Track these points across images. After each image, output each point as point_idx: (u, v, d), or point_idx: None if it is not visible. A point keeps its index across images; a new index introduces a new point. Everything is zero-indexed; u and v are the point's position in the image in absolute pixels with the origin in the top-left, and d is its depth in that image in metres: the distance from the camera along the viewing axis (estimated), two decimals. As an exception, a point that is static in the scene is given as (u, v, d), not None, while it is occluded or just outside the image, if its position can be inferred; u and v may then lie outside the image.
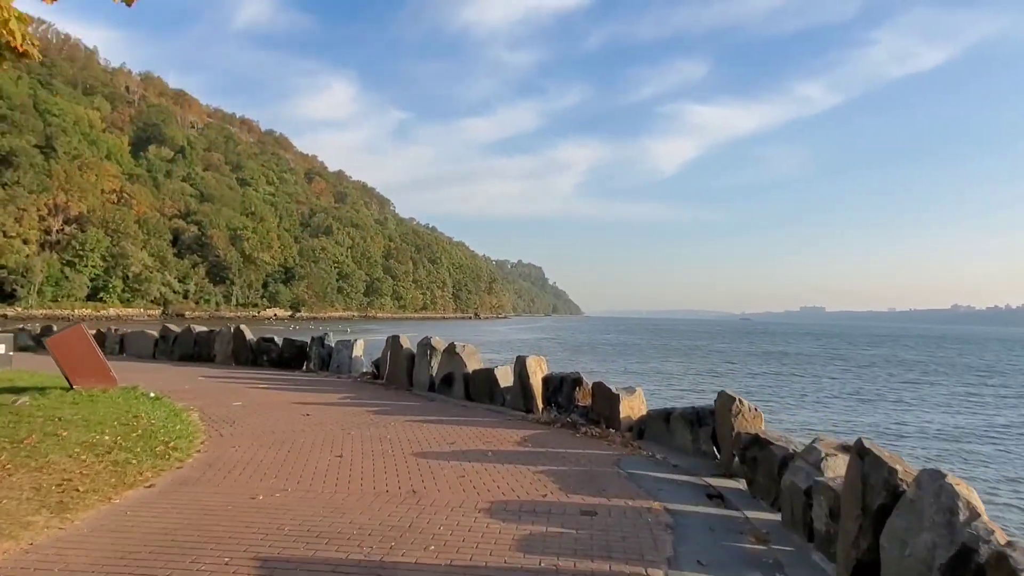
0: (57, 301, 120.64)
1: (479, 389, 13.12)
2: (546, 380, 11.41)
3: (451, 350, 14.06)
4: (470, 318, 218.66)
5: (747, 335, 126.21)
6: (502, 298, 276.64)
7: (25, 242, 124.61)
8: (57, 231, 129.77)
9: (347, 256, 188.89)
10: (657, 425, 9.52)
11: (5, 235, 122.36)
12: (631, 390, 10.45)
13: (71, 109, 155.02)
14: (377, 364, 17.26)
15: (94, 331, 22.78)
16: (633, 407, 10.19)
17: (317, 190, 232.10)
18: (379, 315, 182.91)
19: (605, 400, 10.28)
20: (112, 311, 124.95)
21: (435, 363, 14.57)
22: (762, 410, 7.74)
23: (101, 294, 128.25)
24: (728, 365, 48.68)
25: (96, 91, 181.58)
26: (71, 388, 11.98)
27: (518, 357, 12.08)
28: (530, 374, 11.80)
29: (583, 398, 10.88)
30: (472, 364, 13.72)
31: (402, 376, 15.46)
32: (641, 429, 9.74)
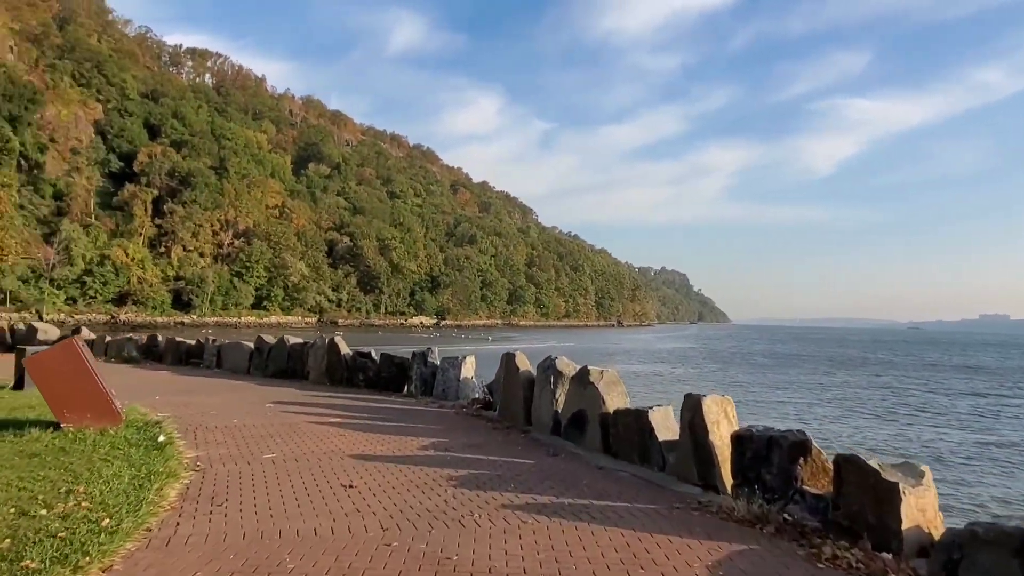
0: (227, 309, 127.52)
1: (624, 440, 8.49)
2: (739, 439, 6.56)
3: (583, 378, 9.51)
4: (613, 326, 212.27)
5: (922, 346, 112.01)
6: (646, 305, 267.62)
7: (201, 255, 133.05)
8: (227, 244, 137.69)
9: (490, 264, 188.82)
10: (990, 558, 4.48)
11: (184, 249, 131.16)
12: (913, 472, 5.47)
13: (242, 133, 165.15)
14: (491, 389, 13.06)
15: (195, 341, 20.32)
16: (924, 510, 5.22)
17: (462, 201, 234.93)
18: (522, 323, 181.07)
19: (865, 491, 5.33)
20: (273, 319, 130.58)
21: (561, 394, 10.09)
22: None
23: (264, 303, 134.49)
24: (926, 384, 40.65)
25: (264, 115, 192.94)
26: (57, 427, 8.57)
27: (688, 397, 7.33)
28: (709, 426, 7.03)
29: (812, 477, 5.99)
30: (613, 400, 9.10)
31: (517, 409, 11.11)
32: (952, 560, 4.72)
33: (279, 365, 17.74)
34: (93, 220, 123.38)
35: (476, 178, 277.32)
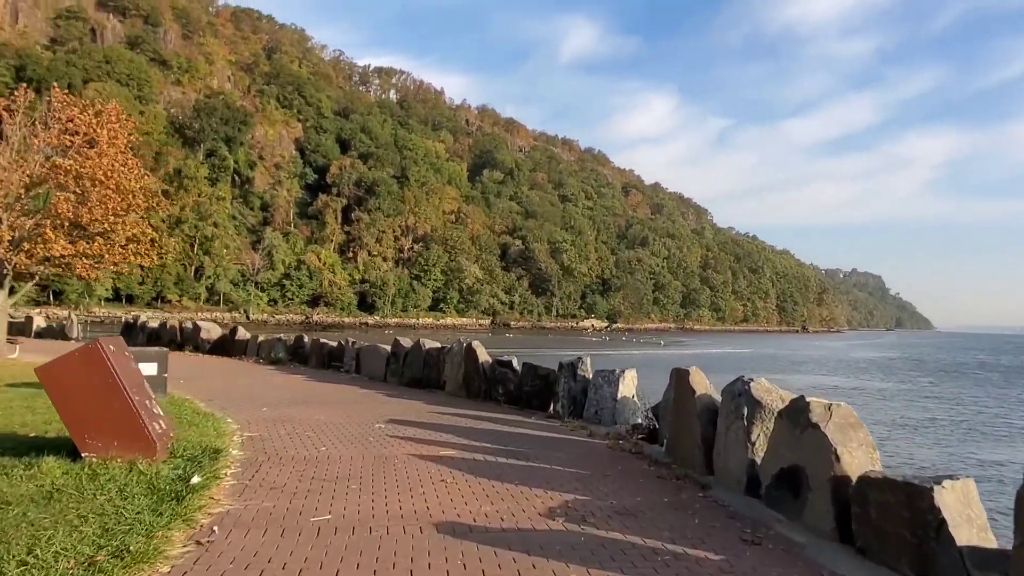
0: (406, 311, 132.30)
1: (881, 531, 4.92)
2: None
3: (797, 415, 6.00)
4: (797, 331, 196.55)
5: None
6: (834, 310, 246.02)
7: (383, 259, 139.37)
8: (407, 249, 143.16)
9: (663, 267, 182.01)
10: None
11: (369, 254, 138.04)
12: None
13: (422, 143, 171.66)
14: (657, 412, 9.82)
15: (336, 343, 18.77)
16: None
17: (633, 203, 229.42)
18: (696, 327, 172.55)
19: None
20: (449, 320, 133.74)
21: (760, 436, 6.66)
22: None
23: (441, 305, 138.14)
24: None
25: (442, 126, 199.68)
26: (78, 455, 6.52)
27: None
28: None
29: None
30: (852, 455, 5.52)
31: (692, 450, 7.79)
32: None
33: (414, 373, 15.52)
34: (292, 228, 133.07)
35: (648, 180, 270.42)
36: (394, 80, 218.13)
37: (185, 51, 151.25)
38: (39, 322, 29.64)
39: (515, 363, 13.00)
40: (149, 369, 11.16)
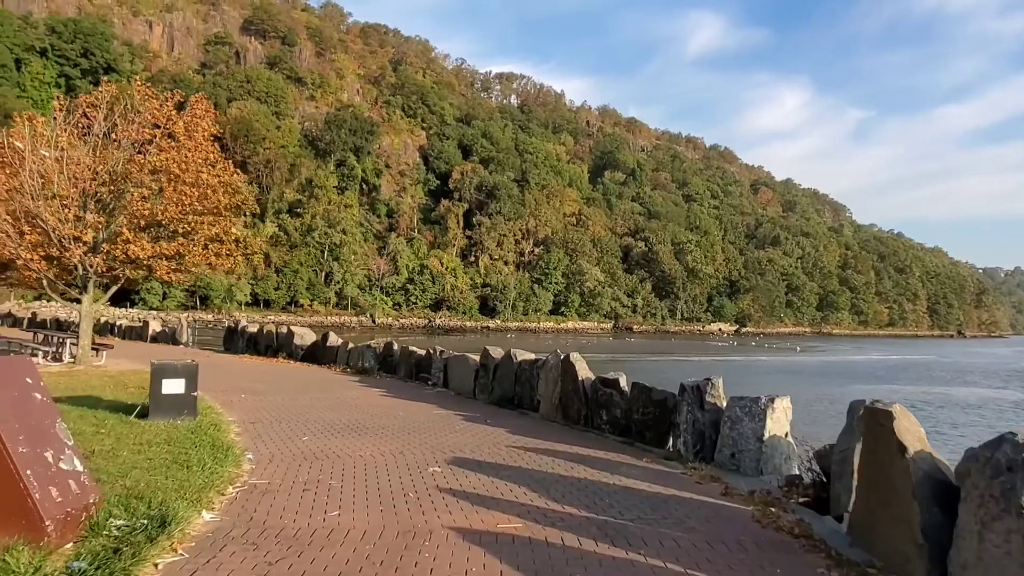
0: (527, 315, 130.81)
1: None
2: None
3: None
4: (951, 336, 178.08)
5: None
6: (995, 313, 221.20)
7: (504, 263, 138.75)
8: (528, 253, 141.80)
9: (797, 267, 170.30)
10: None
11: (491, 258, 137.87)
12: None
13: (542, 146, 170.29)
14: (823, 461, 6.70)
15: (425, 352, 16.51)
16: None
17: (763, 200, 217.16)
18: (835, 331, 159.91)
19: None
20: (570, 324, 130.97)
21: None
22: None
23: (562, 308, 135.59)
24: None
25: (562, 128, 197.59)
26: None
27: None
28: None
29: None
30: None
31: (906, 546, 4.66)
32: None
33: (504, 389, 12.93)
34: (416, 234, 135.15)
35: (779, 176, 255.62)
36: (515, 85, 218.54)
37: (318, 68, 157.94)
38: (155, 326, 29.81)
39: (623, 382, 10.06)
40: (175, 387, 9.20)
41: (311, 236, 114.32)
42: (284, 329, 22.44)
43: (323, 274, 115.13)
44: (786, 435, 7.94)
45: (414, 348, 17.25)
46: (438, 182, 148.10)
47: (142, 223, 16.22)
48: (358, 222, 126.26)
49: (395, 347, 18.11)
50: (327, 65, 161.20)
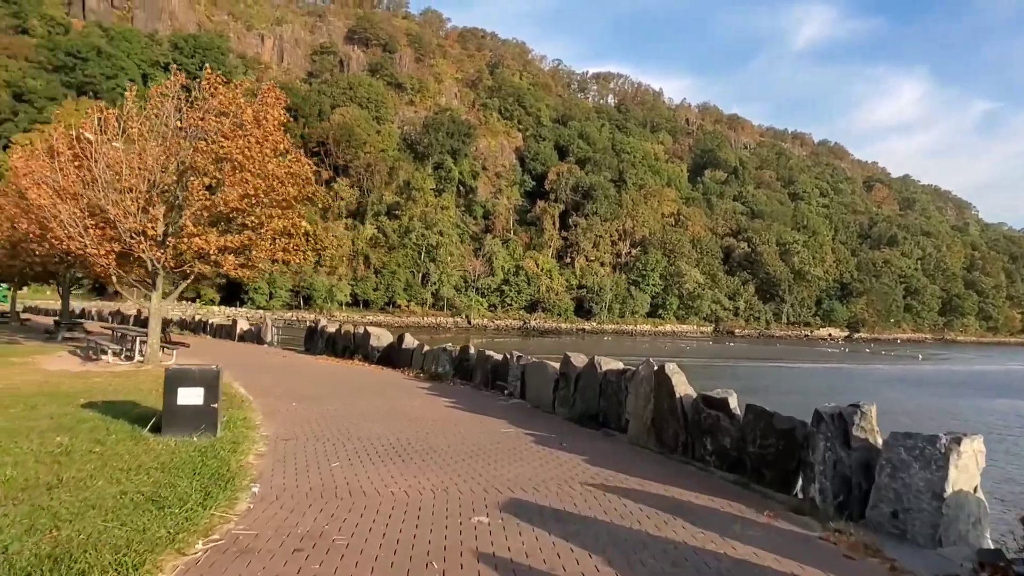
0: (623, 317, 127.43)
1: None
2: None
3: None
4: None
5: None
6: None
7: (600, 264, 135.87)
8: (625, 254, 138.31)
9: (916, 269, 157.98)
10: None
11: (586, 259, 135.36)
12: None
13: (639, 146, 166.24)
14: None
15: (502, 356, 14.73)
16: None
17: (878, 198, 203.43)
18: (960, 338, 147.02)
19: None
20: (668, 327, 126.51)
21: None
22: None
23: (660, 311, 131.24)
24: None
25: (661, 127, 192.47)
26: None
27: None
28: None
29: None
30: None
31: None
32: None
33: (587, 404, 10.94)
34: (512, 235, 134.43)
35: (895, 173, 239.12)
36: (612, 85, 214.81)
37: (417, 73, 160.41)
38: (242, 325, 29.63)
39: (733, 403, 7.88)
40: (192, 397, 7.79)
41: (408, 237, 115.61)
42: (361, 330, 21.29)
43: (420, 275, 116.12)
44: (975, 490, 5.58)
45: (491, 352, 15.48)
46: (534, 183, 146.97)
47: (205, 215, 15.30)
48: (454, 223, 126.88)
49: (471, 351, 16.42)
50: (426, 70, 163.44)
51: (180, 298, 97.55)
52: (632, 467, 7.80)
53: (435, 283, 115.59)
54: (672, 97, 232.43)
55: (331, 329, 23.12)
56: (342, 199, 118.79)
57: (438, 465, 7.54)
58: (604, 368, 10.65)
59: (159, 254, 15.56)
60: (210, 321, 31.36)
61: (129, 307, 76.13)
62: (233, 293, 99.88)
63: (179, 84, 16.40)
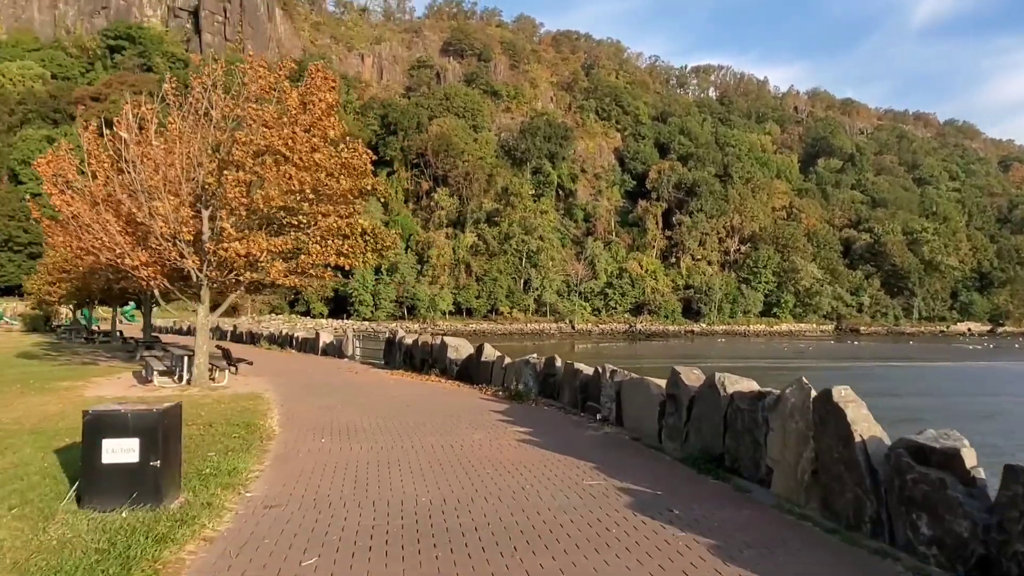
0: (734, 317, 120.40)
1: None
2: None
3: None
4: None
5: None
6: None
7: (708, 263, 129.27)
8: (733, 251, 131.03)
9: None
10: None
11: (692, 258, 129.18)
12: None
13: (745, 137, 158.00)
14: None
15: (592, 370, 11.70)
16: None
17: (1016, 179, 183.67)
18: None
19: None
20: (784, 326, 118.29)
21: None
22: None
23: (774, 309, 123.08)
24: None
25: (767, 117, 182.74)
26: None
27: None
28: None
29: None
30: None
31: None
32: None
33: (706, 439, 7.78)
34: (613, 237, 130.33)
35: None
36: (712, 78, 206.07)
37: (512, 79, 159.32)
38: (325, 338, 28.02)
39: (968, 459, 4.57)
40: (122, 452, 5.39)
41: (509, 244, 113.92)
42: (438, 341, 18.85)
43: (522, 281, 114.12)
44: None
45: (580, 367, 12.50)
46: (634, 183, 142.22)
47: (244, 215, 13.24)
48: (555, 227, 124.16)
49: (558, 363, 13.51)
50: (521, 76, 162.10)
51: (290, 311, 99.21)
52: (796, 566, 4.66)
53: (537, 288, 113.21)
54: (778, 85, 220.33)
55: (408, 341, 20.81)
56: (442, 208, 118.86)
57: (472, 560, 4.70)
58: (730, 390, 7.46)
59: (196, 261, 13.64)
60: (295, 335, 30.05)
61: (242, 323, 78.23)
62: (340, 306, 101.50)
63: (221, 71, 14.45)
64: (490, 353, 16.37)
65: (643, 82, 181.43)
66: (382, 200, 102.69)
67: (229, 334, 37.91)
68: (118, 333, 36.91)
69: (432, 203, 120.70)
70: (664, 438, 8.82)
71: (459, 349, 18.06)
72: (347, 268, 15.15)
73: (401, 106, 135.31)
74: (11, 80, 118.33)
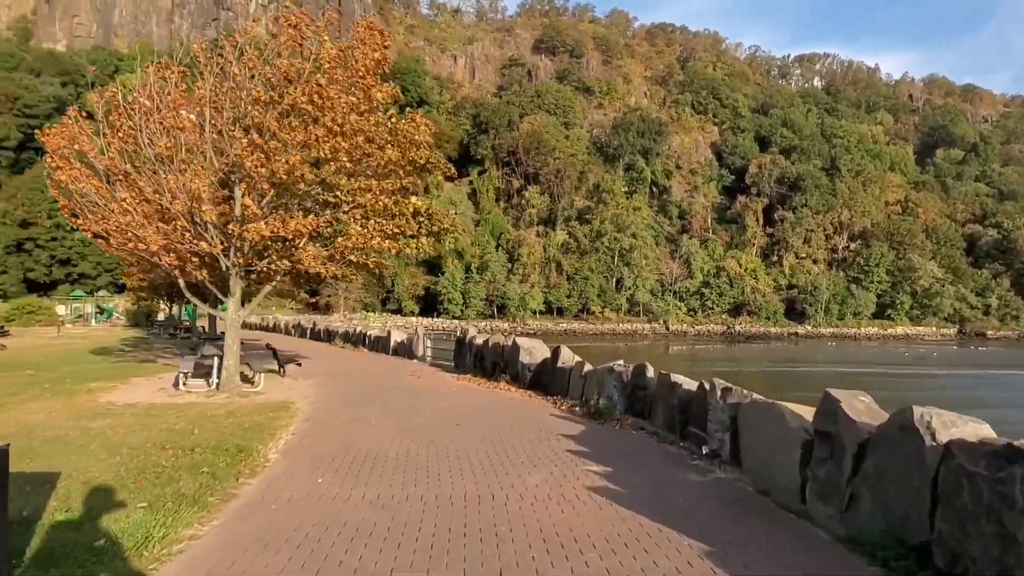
0: (843, 319, 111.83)
1: None
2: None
3: None
4: None
5: None
6: None
7: (813, 261, 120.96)
8: (842, 248, 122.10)
9: None
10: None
11: (796, 256, 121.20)
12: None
13: (853, 128, 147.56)
14: None
15: (696, 385, 8.69)
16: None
17: None
18: None
19: None
20: (900, 329, 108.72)
21: None
22: None
23: (888, 311, 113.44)
24: None
25: (878, 106, 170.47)
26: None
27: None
28: None
29: None
30: None
31: None
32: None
33: (901, 509, 4.70)
34: (710, 234, 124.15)
35: None
36: (817, 67, 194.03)
37: (605, 75, 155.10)
38: (396, 337, 25.87)
39: None
40: None
41: (600, 241, 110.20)
42: (511, 342, 16.22)
43: (614, 280, 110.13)
44: None
45: (678, 379, 9.53)
46: (733, 178, 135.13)
47: (265, 187, 11.04)
48: (648, 225, 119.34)
49: (649, 373, 10.57)
50: (614, 71, 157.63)
51: (382, 309, 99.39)
52: None
53: (630, 288, 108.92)
54: (890, 73, 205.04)
55: (479, 341, 18.29)
56: (533, 206, 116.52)
57: None
58: (943, 436, 4.37)
59: (219, 245, 11.54)
60: (368, 333, 28.13)
61: (334, 321, 78.50)
62: (431, 304, 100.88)
63: (257, 30, 12.35)
64: (568, 358, 13.55)
65: (742, 73, 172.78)
66: (454, 196, 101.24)
67: (308, 331, 36.81)
68: (201, 328, 36.41)
69: (523, 201, 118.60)
70: (810, 497, 5.77)
71: (533, 352, 15.32)
72: (396, 252, 12.72)
73: (492, 105, 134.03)
74: (131, 90, 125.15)
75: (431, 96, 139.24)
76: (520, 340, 15.90)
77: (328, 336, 32.52)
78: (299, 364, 16.28)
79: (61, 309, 65.52)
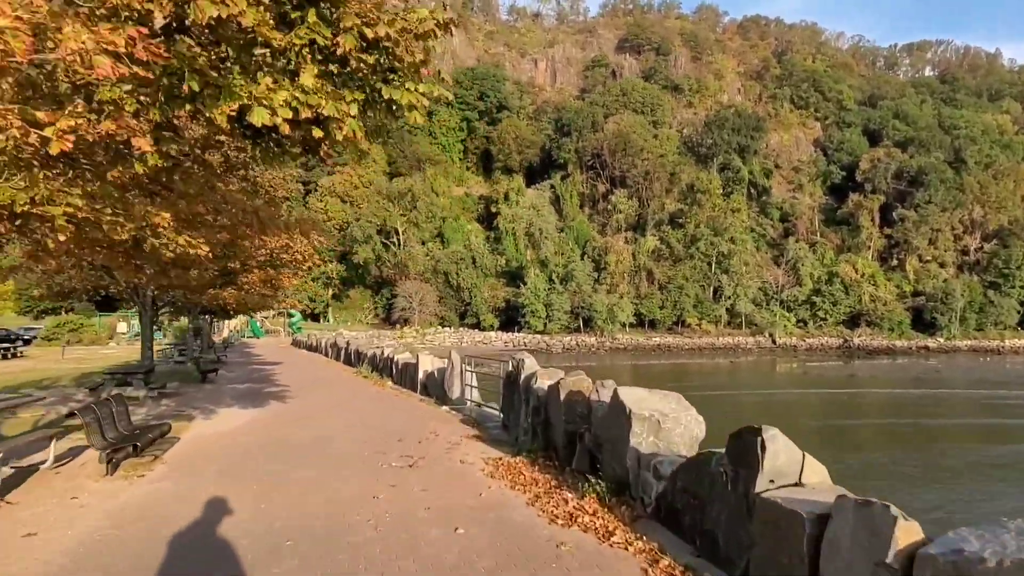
0: (982, 329, 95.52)
1: None
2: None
3: None
4: None
5: None
6: None
7: (941, 265, 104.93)
8: (975, 250, 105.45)
9: None
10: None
11: (920, 259, 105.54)
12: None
13: (976, 118, 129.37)
14: None
15: None
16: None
17: None
18: None
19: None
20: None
21: None
22: None
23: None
24: None
25: (1002, 94, 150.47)
26: None
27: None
28: None
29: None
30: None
31: None
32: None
33: None
34: (818, 237, 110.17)
35: None
36: (928, 55, 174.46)
37: (695, 72, 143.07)
38: (426, 366, 16.34)
39: None
40: None
41: (696, 247, 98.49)
42: (609, 391, 6.99)
43: (711, 289, 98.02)
44: None
45: None
46: (842, 174, 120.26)
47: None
48: (748, 228, 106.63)
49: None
50: (704, 68, 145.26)
51: (459, 323, 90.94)
52: None
53: (729, 297, 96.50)
54: (1013, 58, 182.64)
55: (542, 384, 9.01)
56: (620, 212, 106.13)
57: None
58: None
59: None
60: (395, 359, 18.97)
61: (385, 339, 70.55)
62: (512, 318, 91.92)
63: None
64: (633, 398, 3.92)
65: (845, 65, 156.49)
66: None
67: (342, 351, 28.28)
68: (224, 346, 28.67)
69: (609, 206, 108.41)
70: None
71: (662, 427, 5.85)
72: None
73: (575, 107, 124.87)
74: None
75: (511, 101, 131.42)
76: (626, 393, 6.43)
77: (358, 358, 23.97)
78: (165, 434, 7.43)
79: (122, 326, 60.62)
